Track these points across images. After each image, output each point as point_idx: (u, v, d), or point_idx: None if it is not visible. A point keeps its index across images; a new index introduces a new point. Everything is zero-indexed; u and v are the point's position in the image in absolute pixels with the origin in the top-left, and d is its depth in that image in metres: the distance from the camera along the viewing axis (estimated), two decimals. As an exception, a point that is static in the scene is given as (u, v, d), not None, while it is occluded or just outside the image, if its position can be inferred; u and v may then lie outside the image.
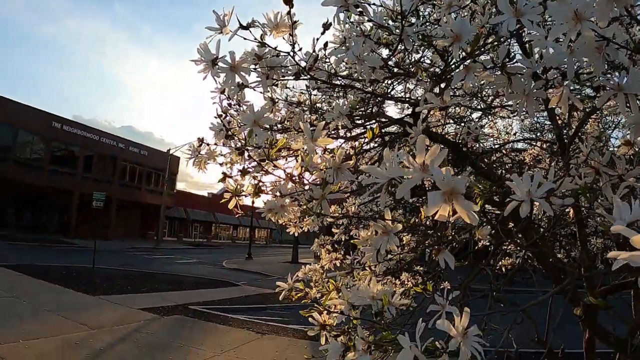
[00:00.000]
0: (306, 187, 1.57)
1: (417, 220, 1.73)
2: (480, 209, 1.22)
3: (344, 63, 2.19)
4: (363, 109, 2.99)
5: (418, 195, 1.45)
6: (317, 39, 1.97)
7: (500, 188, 1.70)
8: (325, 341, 1.71)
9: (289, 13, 1.74)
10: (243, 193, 1.84)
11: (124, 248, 35.47)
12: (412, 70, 2.29)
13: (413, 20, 2.14)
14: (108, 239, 40.13)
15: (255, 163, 1.73)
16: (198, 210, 59.65)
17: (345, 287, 1.69)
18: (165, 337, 9.25)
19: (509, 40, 1.99)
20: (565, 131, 4.04)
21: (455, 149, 2.87)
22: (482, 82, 1.82)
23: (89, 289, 13.95)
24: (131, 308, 11.74)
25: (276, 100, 2.35)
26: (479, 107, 4.32)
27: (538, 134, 7.53)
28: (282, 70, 1.91)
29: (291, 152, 1.92)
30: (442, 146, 1.20)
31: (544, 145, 5.12)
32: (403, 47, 1.90)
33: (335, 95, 3.33)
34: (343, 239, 3.41)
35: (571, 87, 1.61)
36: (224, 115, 2.08)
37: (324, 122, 1.75)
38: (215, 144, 2.06)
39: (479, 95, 3.98)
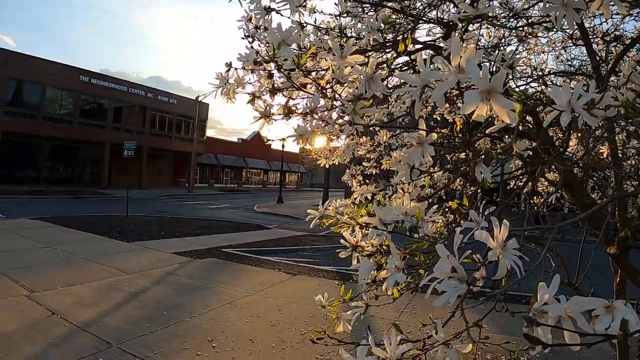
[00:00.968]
0: (337, 103, 1.54)
1: (452, 132, 1.68)
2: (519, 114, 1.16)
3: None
4: (393, 34, 2.90)
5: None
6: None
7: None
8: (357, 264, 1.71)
9: None
10: (273, 115, 1.80)
11: (156, 196, 36.13)
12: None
13: None
14: (141, 187, 41.01)
15: (285, 79, 1.68)
16: (228, 156, 60.07)
17: (378, 206, 1.66)
18: (199, 278, 9.47)
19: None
20: (602, 65, 3.91)
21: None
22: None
23: (123, 236, 14.31)
24: (165, 252, 12.03)
25: (304, 24, 2.28)
26: (514, 26, 4.17)
27: (574, 69, 7.29)
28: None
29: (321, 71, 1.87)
30: (478, 48, 1.15)
31: (580, 79, 4.96)
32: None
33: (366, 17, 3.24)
34: (374, 173, 3.37)
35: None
36: (252, 39, 2.03)
37: (353, 39, 1.69)
38: (244, 67, 2.00)
39: (514, 12, 3.82)
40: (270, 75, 1.79)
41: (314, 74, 1.88)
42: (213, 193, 47.20)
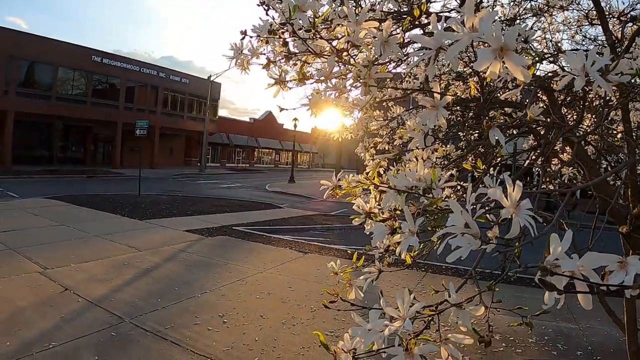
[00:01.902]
0: (352, 69, 1.54)
1: (467, 97, 1.68)
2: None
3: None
4: (407, 7, 2.88)
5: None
6: None
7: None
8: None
9: None
10: (288, 80, 1.80)
11: (168, 175, 36.39)
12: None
13: None
14: (153, 167, 41.25)
15: (300, 45, 1.67)
16: (240, 135, 60.16)
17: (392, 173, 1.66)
18: (210, 256, 9.57)
19: None
20: (617, 45, 3.88)
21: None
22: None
23: (136, 214, 14.46)
24: (177, 230, 12.14)
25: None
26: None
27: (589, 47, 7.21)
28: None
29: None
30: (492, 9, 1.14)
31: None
32: None
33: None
34: (387, 149, 3.36)
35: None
36: (267, 7, 2.03)
37: (368, 6, 1.69)
38: (259, 36, 2.00)
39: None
40: (285, 43, 1.79)
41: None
42: (225, 172, 47.39)
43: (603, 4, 4.41)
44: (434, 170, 1.45)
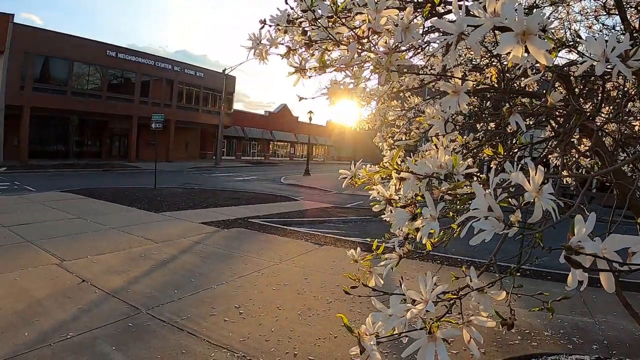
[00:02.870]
0: (372, 56, 1.54)
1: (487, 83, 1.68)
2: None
3: None
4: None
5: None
6: None
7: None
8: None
9: None
10: (307, 69, 1.81)
11: (184, 168, 36.58)
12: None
13: None
14: (168, 160, 41.46)
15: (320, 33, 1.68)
16: (255, 128, 60.12)
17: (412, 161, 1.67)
18: (226, 247, 9.62)
19: None
20: (636, 33, 3.84)
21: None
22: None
23: (152, 207, 14.57)
24: (193, 222, 12.21)
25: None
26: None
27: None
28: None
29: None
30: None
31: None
32: None
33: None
34: (404, 139, 3.37)
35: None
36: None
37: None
38: (277, 25, 2.00)
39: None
40: (304, 32, 1.80)
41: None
42: (240, 165, 47.48)
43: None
44: (455, 156, 1.46)
